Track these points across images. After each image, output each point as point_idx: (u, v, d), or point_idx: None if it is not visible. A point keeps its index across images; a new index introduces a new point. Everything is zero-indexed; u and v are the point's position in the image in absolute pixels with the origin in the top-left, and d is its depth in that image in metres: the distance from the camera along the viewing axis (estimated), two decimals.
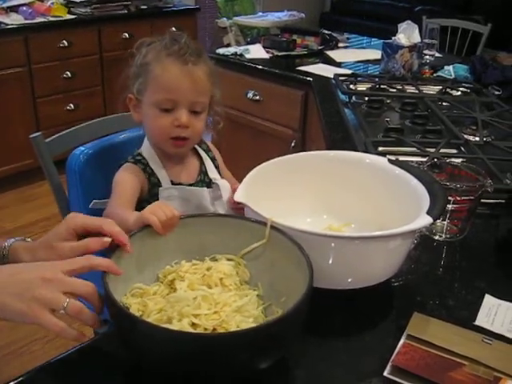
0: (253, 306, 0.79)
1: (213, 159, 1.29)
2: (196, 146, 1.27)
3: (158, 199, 1.16)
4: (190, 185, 1.21)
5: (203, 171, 1.25)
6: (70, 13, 3.39)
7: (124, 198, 1.13)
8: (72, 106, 3.41)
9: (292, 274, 0.78)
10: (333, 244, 0.84)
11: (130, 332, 0.69)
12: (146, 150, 1.21)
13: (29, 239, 0.90)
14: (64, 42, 3.28)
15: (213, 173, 1.26)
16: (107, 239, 0.80)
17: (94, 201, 1.22)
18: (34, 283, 0.70)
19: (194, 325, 0.73)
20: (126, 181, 1.16)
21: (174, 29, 3.74)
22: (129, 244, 0.80)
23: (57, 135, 1.43)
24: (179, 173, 1.21)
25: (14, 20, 3.13)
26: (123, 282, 0.79)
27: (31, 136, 1.39)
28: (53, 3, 3.32)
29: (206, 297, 0.77)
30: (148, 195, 1.18)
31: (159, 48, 1.14)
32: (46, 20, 3.23)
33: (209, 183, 1.24)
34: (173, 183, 1.19)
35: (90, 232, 0.83)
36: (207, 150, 1.29)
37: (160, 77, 1.11)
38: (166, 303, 0.77)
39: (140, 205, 1.14)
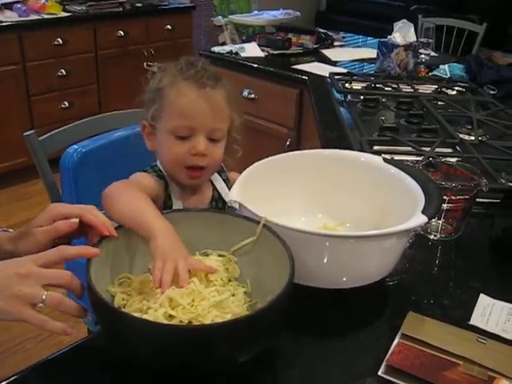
0: (238, 302, 0.79)
1: (226, 181, 1.20)
2: None
3: None
4: None
5: (215, 198, 1.17)
6: (64, 10, 3.37)
7: (138, 186, 1.00)
8: (67, 103, 3.40)
9: (277, 272, 0.78)
10: (327, 243, 0.84)
11: (104, 319, 0.71)
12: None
13: (10, 230, 0.90)
14: (59, 39, 3.26)
15: (227, 196, 1.16)
16: (75, 220, 0.82)
17: None
18: (11, 280, 0.71)
19: (170, 317, 0.74)
20: (146, 181, 1.06)
21: (169, 27, 3.76)
22: (110, 231, 0.80)
23: (50, 133, 1.42)
24: (194, 204, 1.14)
25: (8, 17, 3.11)
26: (112, 271, 0.80)
27: (25, 134, 1.38)
28: (47, 0, 3.29)
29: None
30: None
31: (175, 72, 1.06)
32: (40, 17, 3.21)
33: (221, 209, 1.17)
34: None
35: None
36: (221, 172, 1.20)
37: (175, 102, 1.04)
38: (148, 294, 0.78)
39: None
